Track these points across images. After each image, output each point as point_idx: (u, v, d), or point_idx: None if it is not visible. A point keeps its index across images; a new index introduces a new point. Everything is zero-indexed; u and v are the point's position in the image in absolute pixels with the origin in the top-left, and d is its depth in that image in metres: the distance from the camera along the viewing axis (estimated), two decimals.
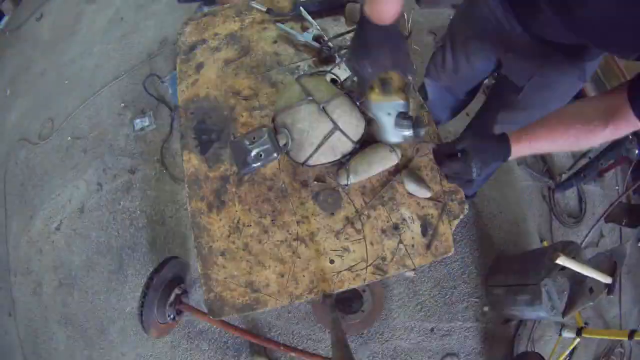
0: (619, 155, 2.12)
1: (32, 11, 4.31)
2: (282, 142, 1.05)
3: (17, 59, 3.93)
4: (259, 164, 1.00)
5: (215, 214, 1.16)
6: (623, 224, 2.46)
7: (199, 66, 1.39)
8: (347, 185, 1.10)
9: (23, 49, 4.00)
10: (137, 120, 2.90)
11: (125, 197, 2.68)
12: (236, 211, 1.15)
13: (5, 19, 4.46)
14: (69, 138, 3.05)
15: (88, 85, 3.29)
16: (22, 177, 3.04)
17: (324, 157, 1.10)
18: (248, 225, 1.13)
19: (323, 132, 1.06)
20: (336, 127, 1.05)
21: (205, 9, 2.47)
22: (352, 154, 1.12)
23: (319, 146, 1.07)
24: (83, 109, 3.15)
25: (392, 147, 1.09)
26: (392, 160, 1.09)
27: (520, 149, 0.99)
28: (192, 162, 1.22)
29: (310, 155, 1.08)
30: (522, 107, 1.48)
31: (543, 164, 2.71)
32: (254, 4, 1.40)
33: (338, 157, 1.11)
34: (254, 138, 1.00)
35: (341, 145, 1.09)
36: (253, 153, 0.99)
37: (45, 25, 4.09)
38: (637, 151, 1.99)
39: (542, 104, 1.43)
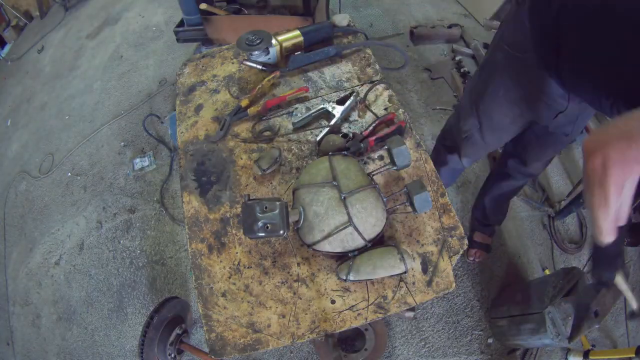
0: None
1: (33, 42, 4.43)
2: (292, 219, 1.02)
3: (18, 89, 4.01)
4: (263, 234, 0.97)
5: (216, 255, 1.16)
6: (625, 243, 2.45)
7: (198, 108, 1.42)
8: (345, 280, 1.05)
9: (24, 79, 4.10)
10: (137, 160, 2.94)
11: (125, 236, 2.69)
12: (236, 253, 1.15)
13: (8, 47, 4.56)
14: (69, 174, 3.08)
15: (88, 122, 3.34)
16: (22, 209, 3.06)
17: (331, 246, 1.06)
18: (248, 267, 1.13)
19: (336, 223, 1.02)
20: (351, 222, 1.02)
21: (204, 50, 2.53)
22: (360, 250, 1.08)
23: (329, 235, 1.03)
24: (83, 146, 3.19)
25: (404, 256, 1.03)
26: (399, 269, 1.03)
27: None
28: (192, 203, 1.23)
29: (318, 241, 1.05)
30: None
31: (542, 193, 2.73)
32: (249, 64, 1.43)
33: (345, 250, 1.07)
34: (266, 208, 0.97)
35: (352, 240, 1.05)
36: (260, 223, 0.97)
37: (47, 58, 4.19)
38: None
39: None
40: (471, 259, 2.43)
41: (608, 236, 0.76)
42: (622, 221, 0.77)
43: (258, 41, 1.35)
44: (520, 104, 1.45)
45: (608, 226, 0.74)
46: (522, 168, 1.97)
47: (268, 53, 1.40)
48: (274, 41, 1.40)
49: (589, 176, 0.73)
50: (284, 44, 1.42)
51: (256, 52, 1.37)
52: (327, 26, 1.49)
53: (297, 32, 1.44)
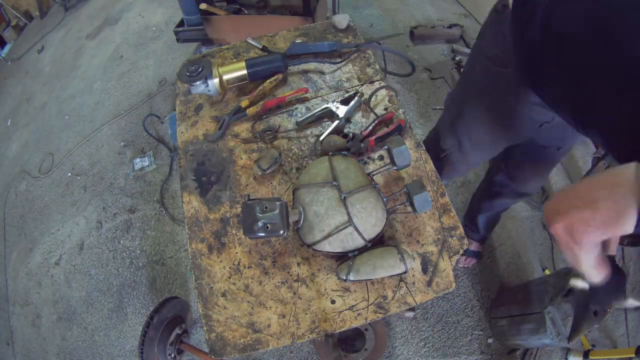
0: None
1: (33, 42, 4.43)
2: (292, 219, 1.02)
3: (18, 89, 4.01)
4: (263, 234, 0.97)
5: (216, 255, 1.16)
6: (625, 243, 2.44)
7: (198, 108, 1.42)
8: (345, 280, 1.05)
9: (24, 80, 4.09)
10: (137, 160, 2.95)
11: (125, 236, 2.69)
12: (236, 253, 1.15)
13: (8, 47, 4.56)
14: (69, 174, 3.08)
15: (88, 122, 3.34)
16: (22, 209, 3.06)
17: (331, 246, 1.05)
18: (248, 267, 1.13)
19: (336, 223, 1.02)
20: (351, 222, 1.01)
21: (204, 50, 2.53)
22: (360, 250, 1.08)
23: (329, 235, 1.03)
24: (83, 146, 3.20)
25: (404, 256, 1.03)
26: (399, 269, 1.03)
27: None
28: (192, 203, 1.23)
29: (318, 241, 1.05)
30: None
31: (542, 192, 2.73)
32: (250, 40, 1.43)
33: (345, 250, 1.07)
34: (266, 208, 0.97)
35: (352, 240, 1.04)
36: (260, 223, 0.96)
37: (47, 58, 4.19)
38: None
39: None
40: (461, 265, 2.41)
41: (598, 276, 0.73)
42: (612, 252, 0.75)
43: (200, 69, 1.32)
44: (500, 120, 1.36)
45: (593, 272, 0.72)
46: (513, 185, 1.86)
47: (207, 85, 1.34)
48: (214, 72, 1.34)
49: (559, 241, 0.70)
50: (225, 77, 1.36)
51: (197, 83, 1.32)
52: (278, 59, 1.41)
53: (242, 64, 1.37)
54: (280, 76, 1.41)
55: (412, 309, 2.15)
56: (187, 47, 3.41)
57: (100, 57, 3.89)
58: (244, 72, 1.37)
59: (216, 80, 1.35)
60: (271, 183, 1.24)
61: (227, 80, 1.38)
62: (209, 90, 1.36)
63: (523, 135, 1.40)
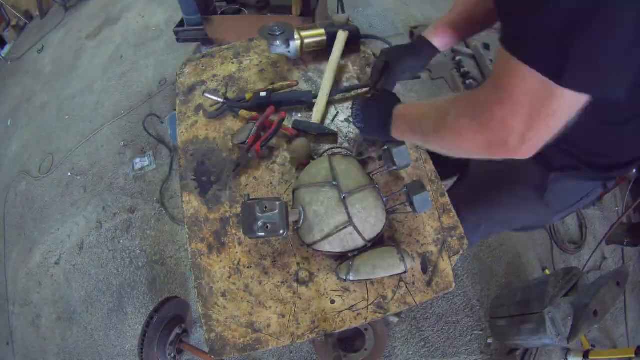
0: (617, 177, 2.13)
1: (33, 42, 4.42)
2: (292, 219, 1.02)
3: (18, 89, 4.01)
4: (263, 234, 0.97)
5: (216, 255, 1.16)
6: (625, 244, 2.45)
7: (198, 108, 1.42)
8: (344, 280, 1.05)
9: (24, 79, 4.09)
10: (137, 160, 2.95)
11: (125, 236, 2.69)
12: (236, 252, 1.15)
13: (8, 47, 4.56)
14: (69, 174, 3.08)
15: (88, 121, 3.35)
16: (21, 209, 3.07)
17: (330, 246, 1.05)
18: (248, 267, 1.13)
19: (336, 223, 1.01)
20: (350, 222, 1.01)
21: (204, 50, 2.53)
22: (360, 250, 1.07)
23: (329, 235, 1.03)
24: (83, 146, 3.20)
25: (403, 256, 1.03)
26: (399, 269, 1.02)
27: (399, 121, 1.03)
28: (192, 203, 1.23)
29: (318, 241, 1.05)
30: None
31: None
32: (207, 95, 1.38)
33: (345, 250, 1.07)
34: (266, 207, 0.97)
35: (351, 240, 1.04)
36: (260, 223, 0.96)
37: (47, 58, 4.19)
38: (634, 169, 2.00)
39: None
40: None
41: None
42: None
43: (279, 32, 1.34)
44: None
45: None
46: None
47: (288, 45, 1.38)
48: (296, 35, 1.38)
49: None
50: (306, 40, 1.41)
51: (277, 42, 1.35)
52: (353, 28, 1.44)
53: (321, 31, 1.42)
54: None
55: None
56: (187, 47, 3.41)
57: (100, 57, 3.89)
58: (324, 37, 1.42)
59: (298, 42, 1.39)
60: (271, 183, 1.24)
61: (307, 44, 1.42)
62: (289, 52, 1.39)
63: None
